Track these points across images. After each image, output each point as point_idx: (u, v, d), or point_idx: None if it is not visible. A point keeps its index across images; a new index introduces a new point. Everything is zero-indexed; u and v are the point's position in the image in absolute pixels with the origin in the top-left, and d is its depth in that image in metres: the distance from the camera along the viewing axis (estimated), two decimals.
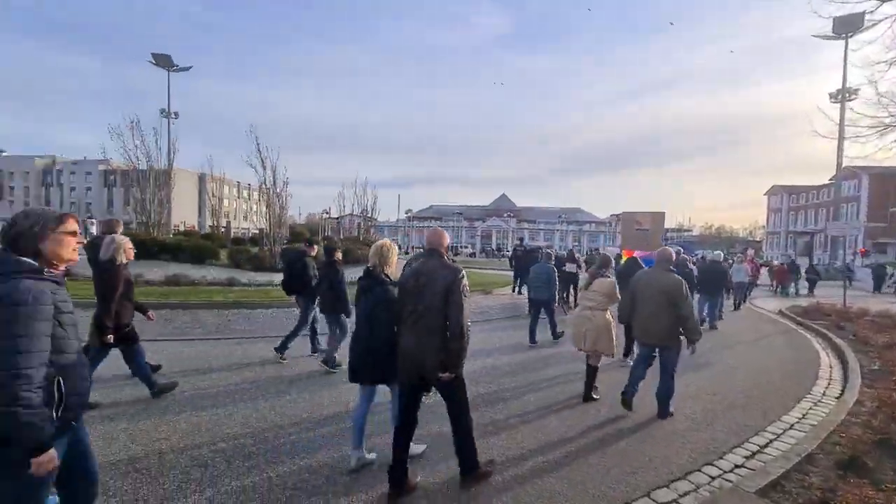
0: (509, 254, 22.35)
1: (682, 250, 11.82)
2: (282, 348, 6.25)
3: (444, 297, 2.95)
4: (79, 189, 72.04)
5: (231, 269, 15.53)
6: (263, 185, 18.82)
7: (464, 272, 3.09)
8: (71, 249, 1.91)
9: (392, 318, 3.26)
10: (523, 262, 13.67)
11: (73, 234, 1.93)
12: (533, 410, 4.70)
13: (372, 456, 3.45)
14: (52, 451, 1.71)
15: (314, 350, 6.58)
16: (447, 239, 3.34)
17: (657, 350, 4.76)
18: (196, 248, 16.58)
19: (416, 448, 3.45)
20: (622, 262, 10.40)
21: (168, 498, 2.90)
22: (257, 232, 21.62)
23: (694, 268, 10.87)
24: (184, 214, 52.95)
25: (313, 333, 6.66)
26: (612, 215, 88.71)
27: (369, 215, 29.23)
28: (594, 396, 5.05)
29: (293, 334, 6.35)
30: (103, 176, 68.35)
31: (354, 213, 29.97)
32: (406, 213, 67.44)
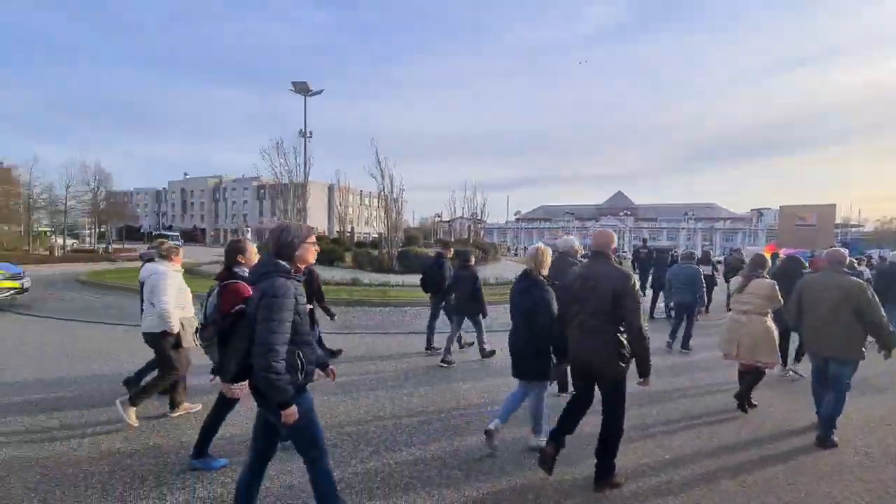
0: (627, 255, 20.73)
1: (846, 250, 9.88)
2: (457, 342, 6.81)
3: (614, 301, 2.98)
4: (238, 202, 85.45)
5: (355, 270, 17.06)
6: (382, 193, 20.34)
7: (634, 276, 3.06)
8: (312, 255, 2.46)
9: (550, 319, 3.45)
10: (647, 264, 12.61)
11: (315, 243, 2.47)
12: (654, 424, 4.32)
13: (496, 445, 3.62)
14: (294, 408, 2.20)
15: (428, 346, 6.93)
16: (615, 241, 3.33)
17: (828, 363, 4.08)
18: (326, 251, 18.50)
19: (538, 440, 3.61)
20: (778, 261, 9.07)
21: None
22: (376, 236, 23.39)
23: (866, 270, 8.93)
24: (316, 221, 59.55)
25: (431, 332, 7.01)
26: (752, 210, 77.43)
27: (479, 218, 29.71)
28: (746, 409, 4.59)
29: (453, 333, 6.70)
30: (256, 190, 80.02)
31: (464, 215, 30.72)
32: (515, 214, 67.17)
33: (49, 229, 39.12)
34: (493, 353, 6.56)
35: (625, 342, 3.07)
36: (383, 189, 20.07)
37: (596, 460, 3.19)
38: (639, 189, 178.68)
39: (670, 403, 4.88)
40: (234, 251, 3.37)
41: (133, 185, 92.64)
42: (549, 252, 3.84)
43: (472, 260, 6.77)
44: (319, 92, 23.72)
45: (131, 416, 3.98)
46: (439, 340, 6.88)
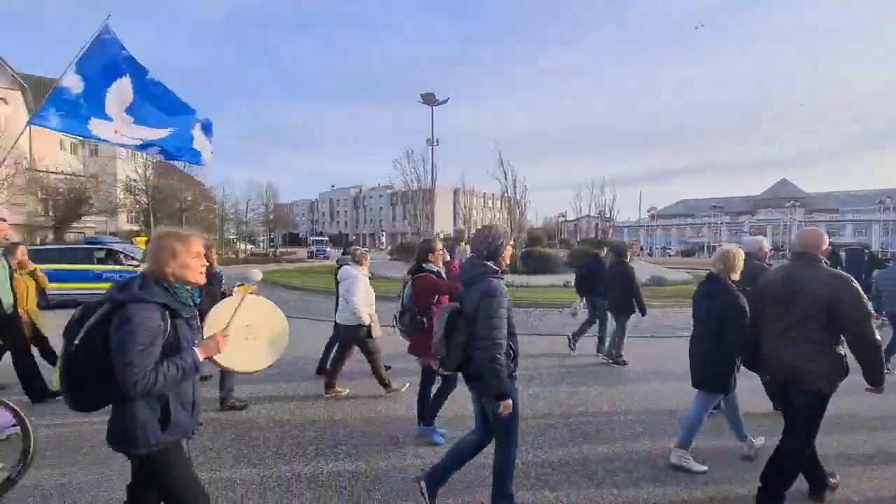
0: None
1: None
2: (601, 346, 6.63)
3: (828, 308, 2.66)
4: (374, 209, 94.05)
5: None
6: (505, 194, 20.51)
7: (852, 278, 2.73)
8: (509, 257, 2.73)
9: (742, 326, 3.17)
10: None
11: (512, 247, 2.76)
12: (837, 456, 3.56)
13: (761, 441, 3.58)
14: (510, 400, 2.45)
15: (571, 344, 6.81)
16: (825, 241, 2.95)
17: None
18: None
19: (680, 457, 3.38)
20: None
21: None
22: None
23: None
24: (441, 223, 62.42)
25: (580, 333, 6.85)
26: None
27: (606, 216, 27.99)
28: None
29: (602, 335, 6.63)
30: (389, 197, 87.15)
31: (591, 213, 29.24)
32: (649, 210, 61.48)
33: (234, 236, 48.03)
34: (626, 363, 6.22)
35: (842, 354, 2.67)
36: (506, 190, 20.24)
37: (759, 485, 2.79)
38: (805, 176, 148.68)
39: (861, 434, 4.01)
40: (426, 250, 3.97)
41: (293, 196, 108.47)
42: (742, 255, 3.49)
43: (628, 255, 6.54)
44: (445, 101, 24.88)
45: (398, 389, 4.92)
46: (581, 344, 6.78)
